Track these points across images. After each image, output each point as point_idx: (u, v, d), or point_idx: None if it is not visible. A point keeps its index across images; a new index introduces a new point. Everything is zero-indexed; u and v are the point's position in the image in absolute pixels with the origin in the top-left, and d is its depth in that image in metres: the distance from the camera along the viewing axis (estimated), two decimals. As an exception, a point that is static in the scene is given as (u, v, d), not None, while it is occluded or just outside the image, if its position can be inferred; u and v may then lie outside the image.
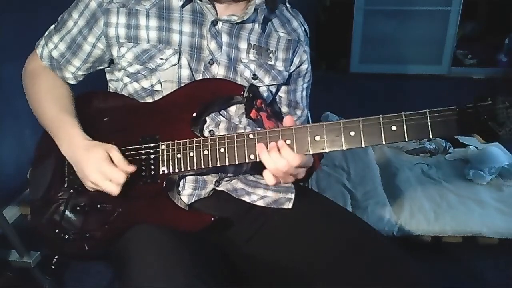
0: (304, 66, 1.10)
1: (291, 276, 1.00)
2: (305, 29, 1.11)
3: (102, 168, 0.92)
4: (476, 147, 2.61)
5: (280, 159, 0.85)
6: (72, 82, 1.10)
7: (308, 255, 0.99)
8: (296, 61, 1.08)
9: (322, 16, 4.77)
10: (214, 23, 0.98)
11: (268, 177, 0.88)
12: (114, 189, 0.93)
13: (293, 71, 1.09)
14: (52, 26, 1.07)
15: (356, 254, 0.96)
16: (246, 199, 1.08)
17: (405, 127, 0.80)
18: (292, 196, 1.08)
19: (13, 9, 2.17)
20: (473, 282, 1.90)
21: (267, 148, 0.87)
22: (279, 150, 0.86)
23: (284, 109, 1.12)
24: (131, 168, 0.94)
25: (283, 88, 1.10)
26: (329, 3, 4.74)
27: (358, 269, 0.93)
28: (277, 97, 1.11)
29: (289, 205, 1.07)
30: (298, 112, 1.13)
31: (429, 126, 0.79)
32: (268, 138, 0.88)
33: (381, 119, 0.81)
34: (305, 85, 1.13)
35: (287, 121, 0.88)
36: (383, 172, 2.49)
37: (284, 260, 1.01)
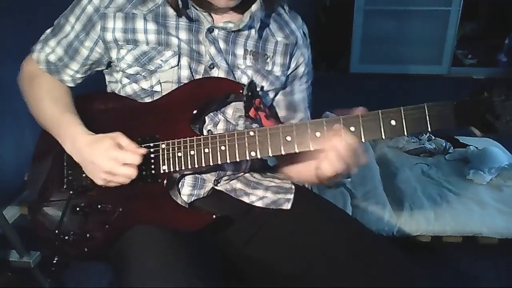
0: (301, 69, 1.09)
1: (290, 278, 1.00)
2: (303, 31, 1.09)
3: (113, 155, 0.91)
4: (476, 147, 2.60)
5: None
6: (71, 84, 1.09)
7: (306, 257, 0.99)
8: (292, 64, 1.07)
9: (322, 16, 4.78)
10: (210, 30, 0.98)
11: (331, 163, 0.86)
12: (131, 172, 0.92)
13: (290, 74, 1.08)
14: (48, 30, 1.06)
15: (353, 256, 0.96)
16: (245, 199, 1.08)
17: (404, 122, 0.81)
18: (291, 196, 1.08)
19: (13, 10, 2.17)
20: (473, 282, 1.90)
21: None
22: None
23: (282, 113, 1.11)
24: (143, 150, 0.93)
25: (281, 91, 1.09)
26: (329, 3, 4.74)
27: (356, 271, 0.94)
28: (275, 102, 1.10)
29: (288, 205, 1.07)
30: (298, 115, 1.11)
31: (428, 120, 0.80)
32: (268, 135, 0.88)
33: (380, 114, 0.82)
34: (303, 87, 1.12)
35: (357, 109, 0.86)
36: (383, 172, 2.48)
37: (283, 261, 1.01)
